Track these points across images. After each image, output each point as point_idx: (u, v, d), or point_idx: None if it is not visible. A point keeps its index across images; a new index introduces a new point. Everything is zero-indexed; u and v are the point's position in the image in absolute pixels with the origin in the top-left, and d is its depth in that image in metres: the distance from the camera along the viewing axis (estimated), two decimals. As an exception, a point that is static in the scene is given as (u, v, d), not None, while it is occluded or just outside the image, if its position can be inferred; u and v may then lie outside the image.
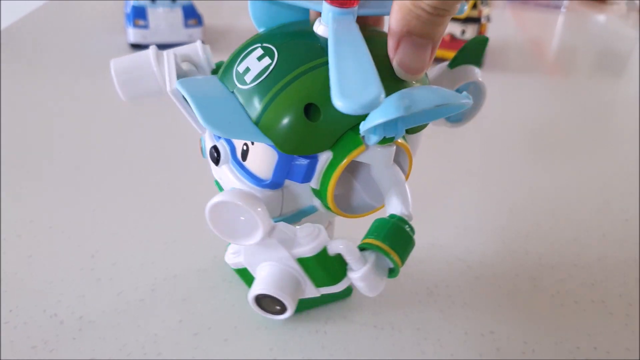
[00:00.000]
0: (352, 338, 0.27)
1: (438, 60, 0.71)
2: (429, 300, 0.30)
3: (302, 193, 0.23)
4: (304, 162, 0.21)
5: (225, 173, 0.23)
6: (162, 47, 0.78)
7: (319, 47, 0.21)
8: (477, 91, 0.27)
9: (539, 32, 0.95)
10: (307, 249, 0.21)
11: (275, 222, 0.21)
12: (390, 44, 0.21)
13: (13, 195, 0.37)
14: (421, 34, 0.20)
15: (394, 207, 0.22)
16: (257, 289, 0.22)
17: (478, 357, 0.27)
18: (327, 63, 0.19)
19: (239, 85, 0.21)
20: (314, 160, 0.21)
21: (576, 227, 0.38)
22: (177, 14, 0.69)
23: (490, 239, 0.36)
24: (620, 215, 0.39)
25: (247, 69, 0.21)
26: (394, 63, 0.21)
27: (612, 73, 0.77)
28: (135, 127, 0.49)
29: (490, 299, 0.31)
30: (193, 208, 0.37)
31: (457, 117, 0.27)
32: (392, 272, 0.22)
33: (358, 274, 0.21)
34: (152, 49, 0.23)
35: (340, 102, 0.16)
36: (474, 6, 0.66)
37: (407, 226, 0.22)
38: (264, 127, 0.20)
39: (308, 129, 0.20)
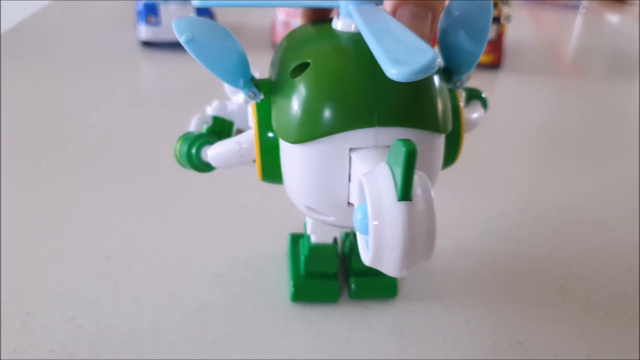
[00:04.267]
0: (376, 348, 0.27)
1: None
2: (455, 310, 0.29)
3: None
4: None
5: None
6: (173, 44, 0.77)
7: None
8: None
9: (556, 33, 0.94)
10: None
11: None
12: (387, 10, 0.19)
13: (28, 195, 0.37)
14: (419, 2, 0.19)
15: None
16: None
17: (508, 370, 0.26)
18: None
19: None
20: None
21: (605, 235, 0.36)
22: (189, 11, 0.68)
23: (516, 247, 0.35)
24: (649, 223, 0.38)
25: None
26: None
27: (630, 76, 0.75)
28: (151, 127, 0.48)
29: (518, 308, 0.30)
30: (211, 210, 0.36)
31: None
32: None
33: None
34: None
35: (394, 70, 0.15)
36: (494, 5, 0.65)
37: None
38: None
39: None
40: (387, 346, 0.27)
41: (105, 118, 0.49)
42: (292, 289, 0.29)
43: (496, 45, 0.67)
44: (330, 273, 0.29)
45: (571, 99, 0.64)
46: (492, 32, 0.67)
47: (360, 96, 0.19)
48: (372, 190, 0.16)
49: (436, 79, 0.21)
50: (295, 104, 0.20)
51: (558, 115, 0.58)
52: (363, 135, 0.19)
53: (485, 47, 0.21)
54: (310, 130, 0.20)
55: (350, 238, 0.30)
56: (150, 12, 0.67)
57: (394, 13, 0.19)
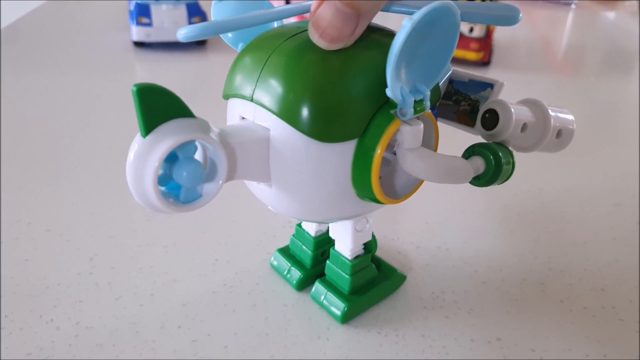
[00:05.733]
0: (355, 345, 0.27)
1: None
2: (435, 306, 0.29)
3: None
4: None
5: None
6: (165, 45, 0.77)
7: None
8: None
9: (549, 30, 0.94)
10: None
11: None
12: (314, 2, 0.19)
13: (11, 196, 0.37)
14: (345, 1, 0.18)
15: None
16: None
17: (484, 365, 0.26)
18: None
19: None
20: None
21: (586, 230, 0.37)
22: (181, 11, 0.69)
23: (498, 243, 0.35)
24: (631, 218, 0.38)
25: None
26: (309, 22, 0.19)
27: (622, 71, 0.75)
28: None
29: (498, 304, 0.30)
30: (194, 211, 0.36)
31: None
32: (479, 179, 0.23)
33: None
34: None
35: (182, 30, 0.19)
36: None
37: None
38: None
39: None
40: (365, 343, 0.27)
41: (96, 119, 0.49)
42: (273, 255, 0.31)
43: (485, 43, 0.67)
44: (305, 263, 0.30)
45: (561, 96, 0.64)
46: (481, 30, 0.67)
47: (248, 71, 0.21)
48: None
49: (350, 88, 0.20)
50: None
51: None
52: (245, 106, 0.21)
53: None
54: (223, 89, 0.23)
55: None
56: (142, 13, 0.67)
57: (316, 9, 0.19)
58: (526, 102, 0.25)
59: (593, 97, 0.64)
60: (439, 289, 0.31)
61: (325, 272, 0.29)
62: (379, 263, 0.30)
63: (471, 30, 0.67)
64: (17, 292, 0.28)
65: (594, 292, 0.31)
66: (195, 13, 0.69)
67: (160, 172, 0.18)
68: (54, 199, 0.37)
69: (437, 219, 0.37)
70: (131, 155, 0.18)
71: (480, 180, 0.24)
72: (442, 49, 0.19)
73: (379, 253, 0.33)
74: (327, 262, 0.29)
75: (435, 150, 0.24)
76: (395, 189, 0.24)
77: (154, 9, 0.67)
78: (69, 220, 0.34)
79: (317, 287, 0.29)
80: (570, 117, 0.26)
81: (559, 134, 0.26)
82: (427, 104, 0.21)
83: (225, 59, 0.68)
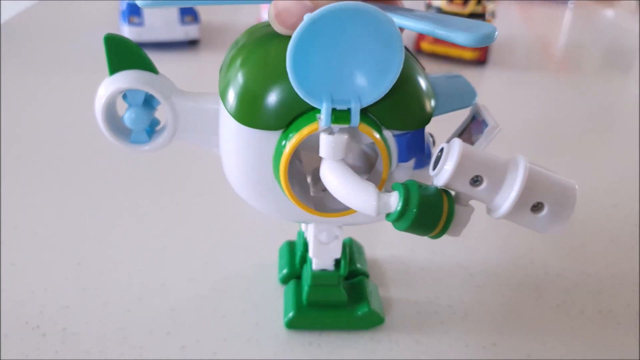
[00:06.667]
0: (348, 351, 0.26)
1: (437, 56, 0.69)
2: (429, 311, 0.29)
3: None
4: None
5: None
6: (157, 45, 0.76)
7: None
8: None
9: (546, 28, 0.93)
10: None
11: None
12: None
13: None
14: None
15: None
16: None
17: (479, 372, 0.26)
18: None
19: None
20: None
21: (583, 232, 0.36)
22: (173, 10, 0.68)
23: (494, 246, 0.34)
24: (629, 220, 0.38)
25: None
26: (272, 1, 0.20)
27: (621, 70, 0.75)
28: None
29: (493, 309, 0.29)
30: (183, 214, 0.36)
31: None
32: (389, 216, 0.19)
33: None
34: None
35: None
36: (478, 2, 0.65)
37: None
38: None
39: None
40: (358, 349, 0.26)
41: (85, 121, 0.48)
42: (282, 244, 0.32)
43: (482, 41, 0.67)
44: (295, 260, 0.30)
45: (559, 95, 0.64)
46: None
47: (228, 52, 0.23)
48: None
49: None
50: None
51: (544, 112, 0.58)
52: None
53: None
54: None
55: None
56: (133, 12, 0.66)
57: None
58: (511, 158, 0.20)
59: (591, 97, 0.63)
60: (434, 294, 0.30)
61: (302, 276, 0.29)
62: (357, 290, 0.28)
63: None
64: (2, 297, 0.28)
65: (590, 296, 0.31)
66: (187, 12, 0.68)
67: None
68: (41, 202, 0.36)
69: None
70: (99, 88, 0.22)
71: (388, 218, 0.19)
72: (381, 62, 0.18)
73: (373, 272, 0.31)
74: (304, 265, 0.28)
75: (382, 180, 0.21)
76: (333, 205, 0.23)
77: (146, 9, 0.67)
78: (56, 224, 0.34)
79: (289, 285, 0.29)
80: (568, 190, 0.20)
81: (538, 208, 0.19)
82: (354, 119, 0.19)
83: (216, 58, 0.67)
